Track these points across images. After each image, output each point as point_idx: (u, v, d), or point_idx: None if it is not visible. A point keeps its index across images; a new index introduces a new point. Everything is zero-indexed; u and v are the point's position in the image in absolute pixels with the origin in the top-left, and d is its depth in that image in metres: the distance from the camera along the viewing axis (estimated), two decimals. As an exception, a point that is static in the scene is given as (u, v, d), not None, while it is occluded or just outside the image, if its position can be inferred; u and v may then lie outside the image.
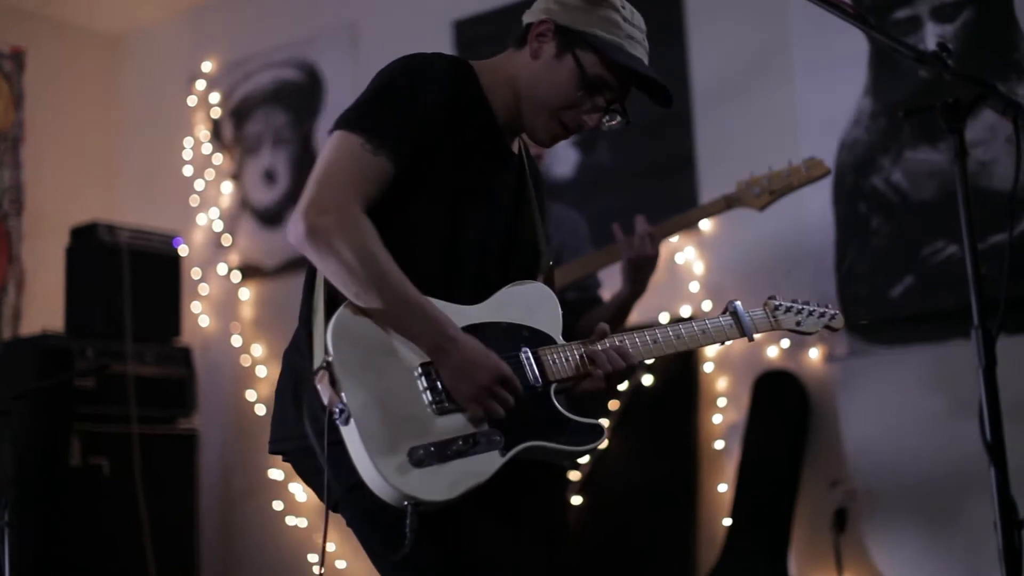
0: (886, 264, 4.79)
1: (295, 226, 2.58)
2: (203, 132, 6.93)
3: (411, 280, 2.61)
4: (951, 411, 4.59)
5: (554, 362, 2.71)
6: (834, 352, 4.86)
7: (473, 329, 2.68)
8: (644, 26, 2.81)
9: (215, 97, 6.93)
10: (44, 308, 6.54)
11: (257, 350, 6.42)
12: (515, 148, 2.91)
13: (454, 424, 2.56)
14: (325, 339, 2.57)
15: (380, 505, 2.49)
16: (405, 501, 2.45)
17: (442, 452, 2.52)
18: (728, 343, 3.02)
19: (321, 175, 2.61)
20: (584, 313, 3.99)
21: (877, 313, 4.78)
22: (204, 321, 6.68)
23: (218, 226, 6.79)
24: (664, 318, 5.08)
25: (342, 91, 6.37)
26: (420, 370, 2.59)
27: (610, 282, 4.17)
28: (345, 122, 2.66)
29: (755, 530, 4.77)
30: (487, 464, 2.56)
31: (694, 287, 5.20)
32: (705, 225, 5.15)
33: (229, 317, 6.62)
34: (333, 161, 2.62)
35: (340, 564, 5.80)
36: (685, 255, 5.22)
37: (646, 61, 2.79)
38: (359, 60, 6.36)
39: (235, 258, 6.69)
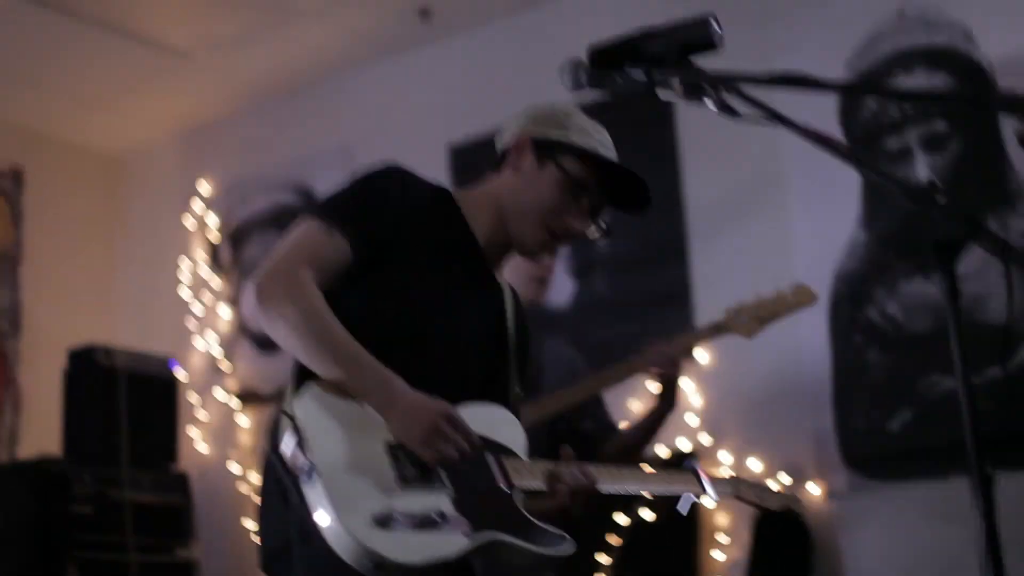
0: (883, 398, 4.81)
1: (247, 295, 2.65)
2: (201, 255, 6.96)
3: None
4: (957, 546, 4.53)
5: (517, 470, 2.71)
6: (834, 488, 4.84)
7: None
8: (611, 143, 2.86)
9: (213, 220, 6.97)
10: (41, 429, 6.53)
11: (256, 477, 6.39)
12: (499, 279, 2.92)
13: (421, 499, 2.52)
14: (291, 402, 2.57)
15: (337, 563, 2.42)
16: (368, 559, 2.41)
17: (406, 522, 2.48)
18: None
19: (275, 251, 2.67)
20: (603, 441, 3.99)
21: (875, 448, 4.78)
22: (202, 447, 6.66)
23: (216, 351, 6.79)
24: (663, 451, 5.09)
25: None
26: (389, 448, 2.56)
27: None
28: (308, 209, 2.75)
29: None
30: (453, 544, 2.51)
31: (692, 420, 5.20)
32: (703, 358, 5.17)
33: (227, 443, 6.60)
34: (289, 240, 2.68)
35: None
36: (683, 387, 5.22)
37: None
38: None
39: (233, 383, 6.69)
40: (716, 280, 5.26)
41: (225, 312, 6.83)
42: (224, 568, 6.37)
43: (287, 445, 2.51)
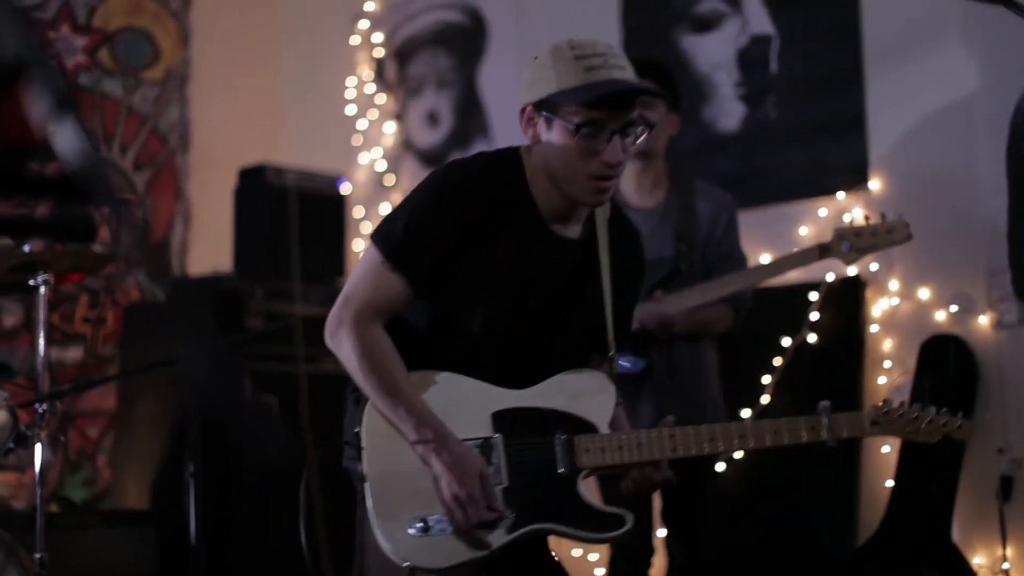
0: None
1: (325, 331, 2.93)
2: (366, 72, 7.01)
3: (458, 362, 2.90)
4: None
5: (588, 451, 2.87)
6: (1004, 319, 4.81)
7: (510, 412, 2.89)
8: (601, 47, 2.85)
9: (378, 37, 7.00)
10: (210, 243, 6.73)
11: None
12: (573, 232, 2.99)
13: None
14: (363, 415, 2.86)
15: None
16: (403, 563, 2.73)
17: (445, 523, 2.76)
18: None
19: (347, 288, 2.92)
20: None
21: (1049, 280, 4.73)
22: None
23: (381, 166, 6.88)
24: (830, 277, 5.09)
25: (505, 34, 6.41)
26: None
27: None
28: (375, 234, 2.91)
29: (919, 495, 4.78)
30: (491, 539, 2.77)
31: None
32: (874, 185, 5.13)
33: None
34: (357, 275, 2.93)
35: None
36: (853, 215, 5.19)
37: (620, 71, 2.83)
38: (523, 4, 6.37)
39: (398, 198, 6.75)
40: (891, 108, 5.17)
41: (390, 128, 6.89)
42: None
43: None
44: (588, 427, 2.90)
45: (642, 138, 2.89)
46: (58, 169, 1.34)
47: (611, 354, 3.03)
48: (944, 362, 4.89)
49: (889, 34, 5.21)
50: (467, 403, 2.87)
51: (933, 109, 5.04)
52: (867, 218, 4.22)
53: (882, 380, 5.07)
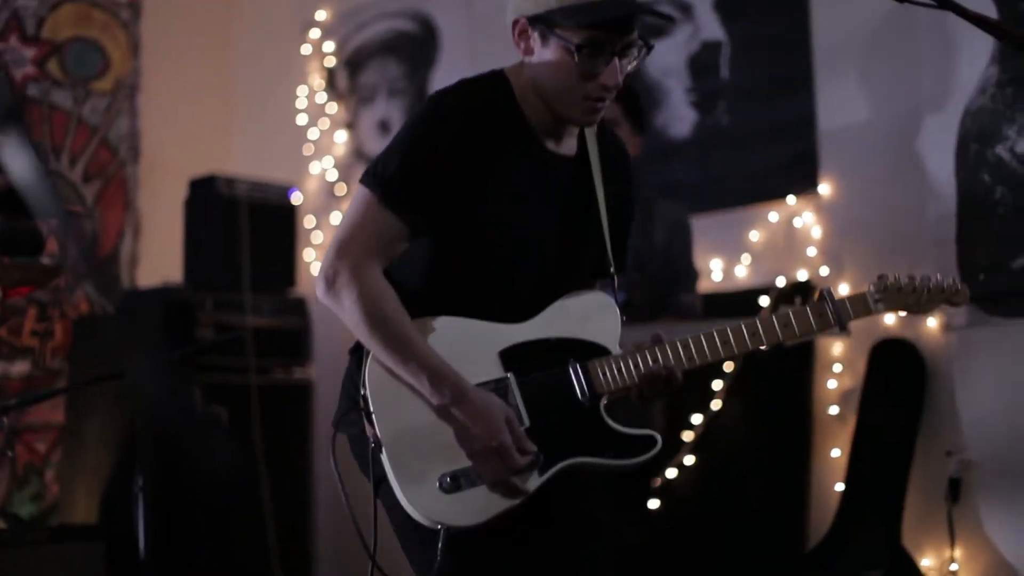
0: (1008, 236, 4.74)
1: (317, 284, 2.75)
2: (317, 81, 6.99)
3: (458, 304, 2.74)
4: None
5: (604, 374, 2.75)
6: (953, 322, 4.82)
7: (518, 348, 2.76)
8: None
9: (329, 46, 6.97)
10: (160, 254, 6.68)
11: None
12: (567, 149, 2.90)
13: None
14: (364, 375, 2.70)
15: (415, 523, 2.62)
16: (436, 526, 2.57)
17: (475, 476, 2.61)
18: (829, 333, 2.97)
19: (340, 234, 2.73)
20: None
21: (997, 285, 4.74)
22: (319, 271, 6.71)
23: (332, 175, 6.85)
24: (780, 282, 5.09)
25: (457, 42, 6.39)
26: None
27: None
28: (366, 176, 2.74)
29: (869, 497, 4.78)
30: (526, 485, 2.63)
31: (811, 252, 5.18)
32: (824, 190, 5.15)
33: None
34: (351, 220, 2.73)
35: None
36: (803, 219, 5.20)
37: None
38: (474, 11, 6.35)
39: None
40: (840, 113, 5.18)
41: (341, 137, 6.86)
42: (338, 388, 6.45)
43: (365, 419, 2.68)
44: (600, 350, 2.79)
45: (635, 63, 2.79)
46: (4, 183, 1.31)
47: (611, 271, 2.94)
48: (893, 366, 4.90)
49: (838, 40, 5.22)
50: (472, 345, 2.72)
51: (881, 114, 5.06)
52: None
53: (832, 384, 5.06)
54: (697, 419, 5.01)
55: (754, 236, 5.30)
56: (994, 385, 4.76)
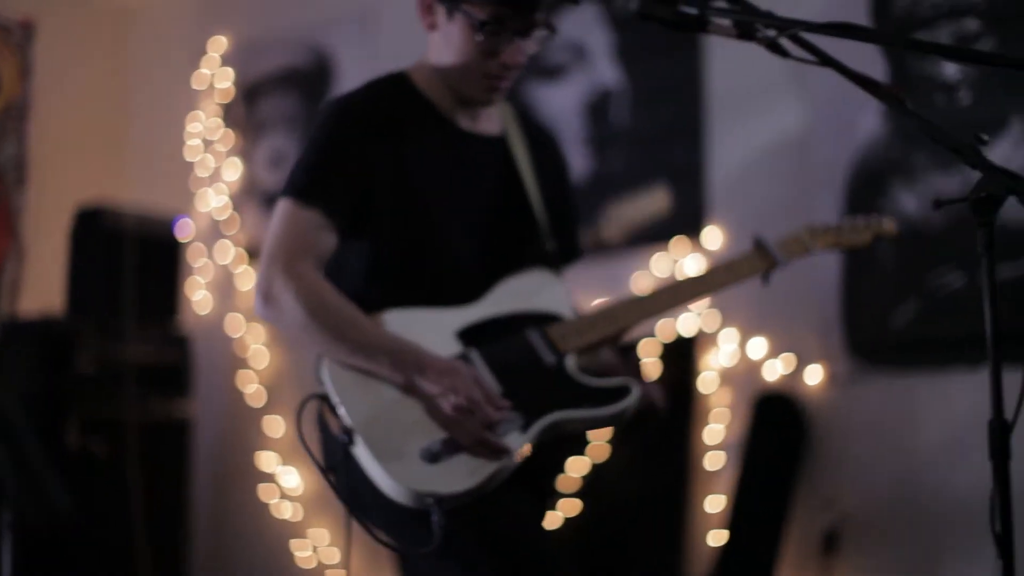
0: (891, 289, 4.76)
1: (255, 302, 2.69)
2: (211, 111, 6.88)
3: (403, 297, 2.72)
4: (951, 442, 4.56)
5: (564, 337, 2.76)
6: (836, 375, 4.82)
7: (474, 327, 2.75)
8: None
9: (224, 77, 6.86)
10: (43, 282, 6.52)
11: (256, 337, 6.37)
12: (485, 127, 2.92)
13: None
14: (322, 370, 2.65)
15: (406, 510, 2.52)
16: (427, 499, 2.47)
17: (455, 443, 2.54)
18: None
19: (267, 247, 2.69)
20: None
21: (879, 338, 4.76)
22: (204, 306, 6.62)
23: (223, 206, 6.73)
24: (664, 328, 5.07)
25: (354, 77, 6.32)
26: None
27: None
28: (283, 189, 2.74)
29: (746, 548, 4.76)
30: (509, 443, 2.57)
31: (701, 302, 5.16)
32: (712, 232, 5.17)
33: (229, 302, 6.56)
34: (274, 232, 2.70)
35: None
36: (687, 264, 5.18)
37: None
38: (375, 46, 6.29)
39: (240, 239, 6.61)
40: (729, 158, 5.20)
41: (234, 168, 6.74)
42: (218, 426, 6.38)
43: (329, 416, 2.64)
44: (553, 318, 2.82)
45: (538, 45, 2.80)
46: None
47: (547, 247, 2.95)
48: (775, 419, 4.88)
49: (729, 88, 5.23)
50: (426, 331, 2.69)
51: (769, 159, 5.08)
52: None
53: (713, 435, 5.03)
54: (579, 467, 4.98)
55: (637, 277, 5.27)
56: (876, 440, 4.76)
